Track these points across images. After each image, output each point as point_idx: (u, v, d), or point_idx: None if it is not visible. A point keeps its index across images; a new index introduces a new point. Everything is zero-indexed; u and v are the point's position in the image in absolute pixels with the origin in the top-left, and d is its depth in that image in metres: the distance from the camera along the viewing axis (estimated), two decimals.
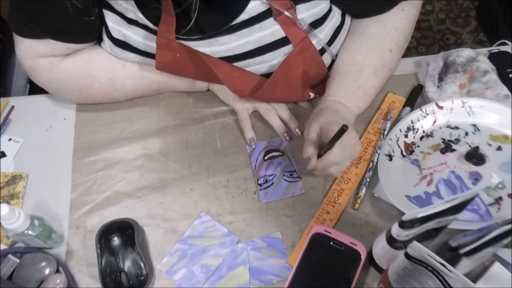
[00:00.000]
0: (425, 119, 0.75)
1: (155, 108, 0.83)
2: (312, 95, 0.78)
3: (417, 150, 0.74)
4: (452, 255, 0.55)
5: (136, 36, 0.71)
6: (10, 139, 0.82)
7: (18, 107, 0.86)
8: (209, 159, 0.77)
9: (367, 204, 0.71)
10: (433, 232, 0.55)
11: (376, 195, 0.70)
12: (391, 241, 0.56)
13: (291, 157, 0.76)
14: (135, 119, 0.82)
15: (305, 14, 0.68)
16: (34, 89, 0.96)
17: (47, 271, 0.65)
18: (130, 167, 0.77)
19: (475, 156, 0.70)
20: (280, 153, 0.76)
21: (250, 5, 0.65)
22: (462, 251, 0.54)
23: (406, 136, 0.75)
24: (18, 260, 0.66)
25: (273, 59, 0.72)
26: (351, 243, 0.64)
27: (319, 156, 0.66)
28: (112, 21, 0.71)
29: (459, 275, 0.46)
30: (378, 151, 0.73)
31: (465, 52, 0.79)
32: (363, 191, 0.71)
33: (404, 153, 0.74)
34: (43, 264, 0.65)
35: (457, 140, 0.73)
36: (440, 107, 0.75)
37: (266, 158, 0.76)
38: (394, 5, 0.74)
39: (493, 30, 1.73)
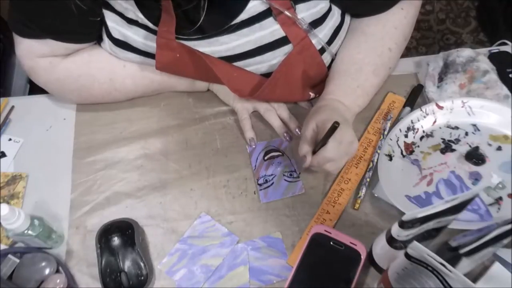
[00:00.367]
0: (425, 119, 0.75)
1: (155, 108, 0.83)
2: (312, 95, 0.78)
3: (417, 150, 0.74)
4: (452, 255, 0.55)
5: (136, 36, 0.71)
6: (10, 139, 0.82)
7: (18, 107, 0.86)
8: (209, 159, 0.77)
9: (367, 204, 0.71)
10: (433, 232, 0.55)
11: (376, 195, 0.70)
12: (391, 241, 0.56)
13: (291, 157, 0.76)
14: (135, 119, 0.82)
15: (304, 13, 0.68)
16: (34, 89, 0.96)
17: (47, 271, 0.65)
18: (130, 167, 0.77)
19: (475, 156, 0.70)
20: (280, 153, 0.76)
21: (250, 5, 0.65)
22: (462, 251, 0.54)
23: (406, 136, 0.75)
24: (18, 260, 0.66)
25: (273, 58, 0.72)
26: (351, 243, 0.64)
27: (315, 153, 0.66)
28: (112, 21, 0.71)
29: (459, 275, 0.46)
30: (378, 151, 0.73)
31: (465, 52, 0.79)
32: (363, 191, 0.71)
33: (404, 153, 0.74)
34: (43, 264, 0.65)
35: (457, 140, 0.73)
36: (440, 107, 0.75)
37: (266, 158, 0.76)
38: (393, 4, 0.74)
39: (493, 30, 1.73)
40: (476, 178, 0.69)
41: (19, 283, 0.64)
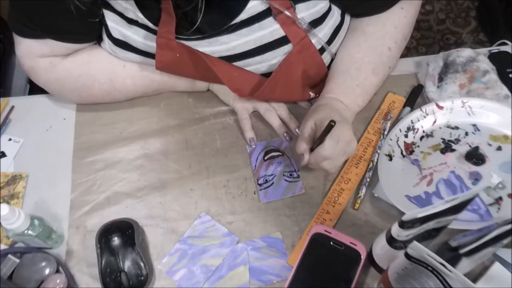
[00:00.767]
0: (425, 119, 0.75)
1: (155, 108, 0.83)
2: (312, 94, 0.78)
3: (417, 150, 0.74)
4: (452, 255, 0.55)
5: (136, 36, 0.71)
6: (10, 139, 0.82)
7: (18, 107, 0.86)
8: (209, 159, 0.77)
9: (367, 204, 0.71)
10: (433, 232, 0.55)
11: (376, 195, 0.70)
12: (391, 241, 0.56)
13: (291, 157, 0.76)
14: (135, 119, 0.82)
15: (304, 13, 0.68)
16: (34, 89, 0.96)
17: (47, 271, 0.65)
18: (130, 167, 0.77)
19: (475, 156, 0.70)
20: (280, 153, 0.76)
21: (250, 5, 0.65)
22: (462, 251, 0.54)
23: (406, 136, 0.75)
24: (18, 260, 0.66)
25: (273, 58, 0.72)
26: (351, 243, 0.64)
27: (312, 151, 0.66)
28: (112, 21, 0.71)
29: (459, 275, 0.46)
30: (378, 151, 0.73)
31: (465, 52, 0.79)
32: (363, 191, 0.71)
33: (404, 153, 0.74)
34: (43, 264, 0.65)
35: (457, 140, 0.73)
36: (440, 107, 0.75)
37: (266, 158, 0.76)
38: (393, 4, 0.74)
39: (493, 30, 1.73)
40: (476, 178, 0.69)
41: (19, 283, 0.64)
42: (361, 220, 0.69)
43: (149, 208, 0.73)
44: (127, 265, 0.66)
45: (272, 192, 0.73)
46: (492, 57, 0.80)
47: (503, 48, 0.83)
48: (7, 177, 0.77)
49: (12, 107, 0.86)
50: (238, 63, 0.73)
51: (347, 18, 0.77)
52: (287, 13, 0.66)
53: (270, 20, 0.67)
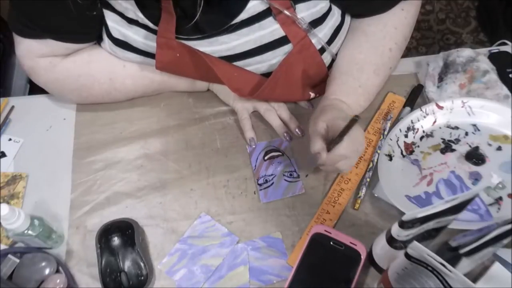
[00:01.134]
0: (425, 119, 0.75)
1: (155, 108, 0.83)
2: (312, 94, 0.78)
3: (417, 150, 0.74)
4: (452, 255, 0.55)
5: (136, 36, 0.71)
6: (10, 139, 0.82)
7: (18, 107, 0.86)
8: (209, 159, 0.77)
9: (367, 204, 0.71)
10: (433, 232, 0.55)
11: (376, 195, 0.70)
12: (391, 241, 0.56)
13: (291, 157, 0.76)
14: (135, 119, 0.82)
15: (304, 13, 0.68)
16: (34, 89, 0.96)
17: (47, 271, 0.65)
18: (130, 167, 0.77)
19: (475, 156, 0.70)
20: (280, 153, 0.76)
21: (250, 4, 0.65)
22: (462, 251, 0.54)
23: (406, 136, 0.75)
24: (18, 260, 0.66)
25: (273, 58, 0.72)
26: (351, 243, 0.64)
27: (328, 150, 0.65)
28: (112, 20, 0.71)
29: (459, 275, 0.46)
30: (378, 151, 0.73)
31: (465, 52, 0.79)
32: (363, 191, 0.71)
33: (404, 153, 0.74)
34: (43, 264, 0.65)
35: (457, 140, 0.73)
36: (440, 107, 0.75)
37: (266, 158, 0.76)
38: (394, 5, 0.74)
39: (493, 30, 1.73)
40: (476, 178, 0.69)
41: (19, 283, 0.64)
42: (361, 220, 0.69)
43: (149, 208, 0.73)
44: (127, 265, 0.66)
45: (272, 192, 0.73)
46: (492, 57, 0.80)
47: (503, 48, 0.83)
48: (7, 177, 0.77)
49: (12, 107, 0.86)
50: (238, 63, 0.73)
51: (348, 18, 0.77)
52: (287, 13, 0.66)
53: (270, 20, 0.67)
